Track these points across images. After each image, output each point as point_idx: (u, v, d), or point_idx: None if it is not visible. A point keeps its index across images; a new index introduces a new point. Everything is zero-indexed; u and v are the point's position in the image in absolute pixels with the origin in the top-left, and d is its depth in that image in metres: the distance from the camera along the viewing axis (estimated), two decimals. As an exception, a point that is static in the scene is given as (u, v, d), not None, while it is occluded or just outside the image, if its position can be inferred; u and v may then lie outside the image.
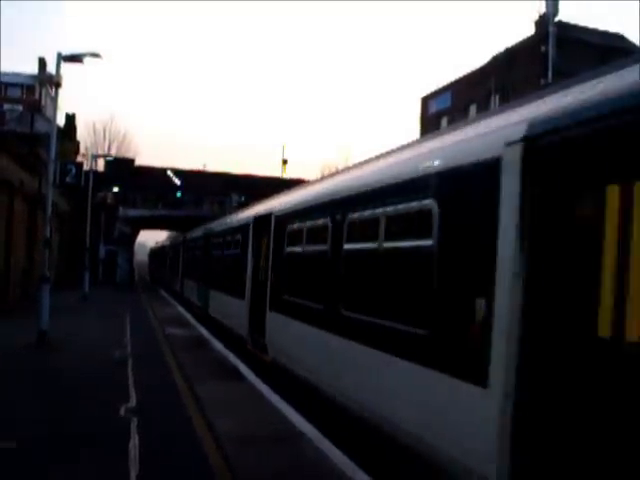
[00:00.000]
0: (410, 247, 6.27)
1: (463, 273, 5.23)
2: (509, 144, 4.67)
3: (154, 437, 7.29)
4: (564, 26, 31.63)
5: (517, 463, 4.25)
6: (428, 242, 5.74)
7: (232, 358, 13.41)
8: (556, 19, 31.50)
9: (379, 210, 6.88)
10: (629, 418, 3.45)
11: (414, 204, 6.13)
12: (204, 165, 67.74)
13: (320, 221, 9.00)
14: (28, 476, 6.07)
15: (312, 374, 8.84)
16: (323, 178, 11.13)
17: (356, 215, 7.65)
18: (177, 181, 46.95)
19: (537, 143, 4.45)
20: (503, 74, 33.17)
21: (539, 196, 4.37)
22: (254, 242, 13.89)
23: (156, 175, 48.30)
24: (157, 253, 63.12)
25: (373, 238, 6.97)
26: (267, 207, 13.40)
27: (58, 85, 16.52)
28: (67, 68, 16.90)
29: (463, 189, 5.37)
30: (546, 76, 30.19)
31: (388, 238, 6.71)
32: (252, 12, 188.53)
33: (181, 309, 26.77)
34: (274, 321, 11.38)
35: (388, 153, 8.13)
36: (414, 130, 47.80)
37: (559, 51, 30.34)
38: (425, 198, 5.88)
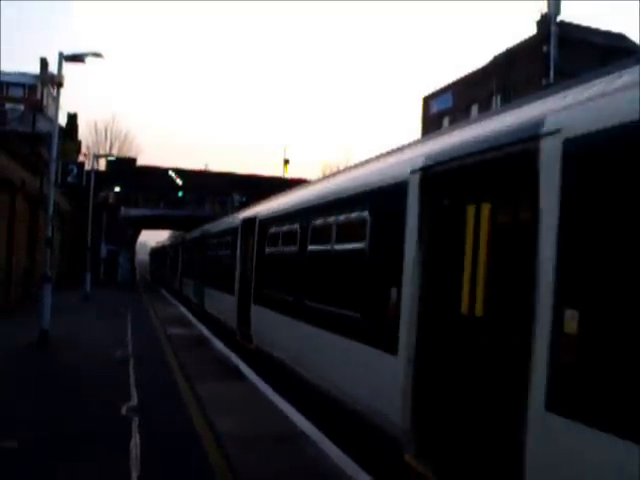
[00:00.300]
0: (351, 249, 7.83)
1: (383, 269, 6.71)
2: (412, 171, 6.20)
3: (155, 436, 7.30)
4: (566, 26, 31.59)
5: (415, 407, 5.78)
6: (363, 245, 7.33)
7: (233, 358, 13.42)
8: (558, 19, 31.45)
9: (331, 218, 8.57)
10: (476, 370, 4.95)
11: (354, 215, 7.75)
12: (206, 165, 67.83)
13: (292, 226, 10.64)
14: (30, 476, 6.08)
15: (284, 355, 10.52)
16: (298, 188, 12.47)
17: (316, 222, 9.32)
18: (179, 181, 46.96)
19: (428, 171, 5.92)
20: (504, 74, 33.15)
21: (429, 210, 5.86)
22: (242, 243, 15.32)
23: (158, 175, 48.30)
24: (158, 253, 64.38)
25: (327, 241, 8.72)
26: (253, 212, 14.84)
27: (60, 85, 16.52)
28: (69, 68, 16.92)
29: (385, 204, 6.95)
30: (547, 76, 30.16)
31: (337, 241, 8.38)
32: (254, 12, 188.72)
33: (183, 309, 26.78)
34: (257, 313, 12.95)
35: (340, 172, 10.25)
36: (416, 130, 47.78)
37: (561, 51, 30.30)
38: (362, 210, 7.46)
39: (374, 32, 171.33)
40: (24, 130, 34.88)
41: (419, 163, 6.13)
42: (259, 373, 11.47)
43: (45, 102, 69.45)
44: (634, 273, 3.50)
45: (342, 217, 8.25)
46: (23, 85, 74.81)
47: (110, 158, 48.04)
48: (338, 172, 10.58)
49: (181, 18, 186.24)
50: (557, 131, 4.23)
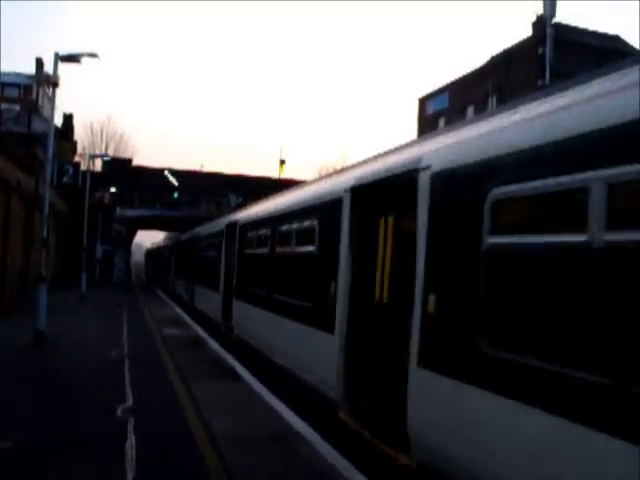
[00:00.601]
0: (305, 251, 9.47)
1: (326, 267, 8.34)
2: (345, 191, 7.93)
3: (151, 437, 7.30)
4: (562, 28, 31.71)
5: (346, 374, 7.46)
6: (313, 248, 9.07)
7: (230, 359, 13.42)
8: (553, 20, 31.54)
9: (291, 225, 10.43)
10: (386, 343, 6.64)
11: (307, 223, 9.51)
12: (201, 165, 67.70)
13: (263, 231, 12.54)
14: (24, 476, 6.07)
15: (258, 342, 12.33)
16: (270, 198, 14.05)
17: (281, 228, 11.13)
18: (174, 181, 46.91)
19: (356, 191, 7.66)
20: (500, 75, 33.26)
21: (355, 222, 7.62)
22: (226, 245, 17.10)
23: (153, 175, 48.25)
24: (153, 254, 65.45)
25: (288, 244, 10.62)
26: (235, 217, 16.63)
27: (55, 85, 16.51)
28: (64, 68, 16.89)
29: (328, 215, 8.53)
30: (543, 77, 30.25)
31: (295, 245, 10.20)
32: (251, 12, 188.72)
33: (179, 310, 26.76)
34: (237, 307, 14.87)
35: (300, 186, 12.16)
36: (412, 130, 47.84)
37: (556, 53, 30.37)
38: (313, 219, 9.23)
39: (371, 32, 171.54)
40: (20, 130, 34.80)
41: (350, 184, 7.85)
42: (252, 372, 11.49)
43: (41, 102, 69.30)
44: (469, 268, 4.99)
45: (298, 225, 10.06)
46: (18, 85, 74.68)
47: (106, 158, 47.88)
48: (299, 186, 12.36)
49: (176, 18, 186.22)
50: (428, 167, 5.83)
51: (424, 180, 5.87)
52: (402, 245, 6.44)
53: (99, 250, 41.74)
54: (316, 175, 52.90)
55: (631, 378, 3.43)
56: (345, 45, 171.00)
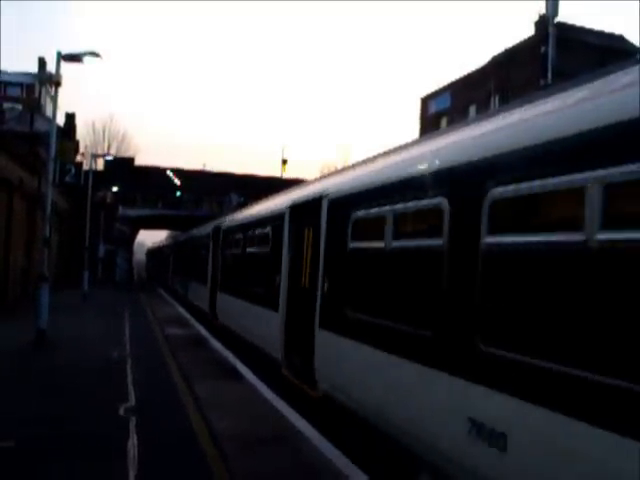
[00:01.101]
0: (263, 251, 12.55)
1: (274, 264, 11.22)
2: (287, 207, 10.82)
3: (153, 436, 7.30)
4: (564, 27, 31.62)
5: (286, 344, 10.17)
6: (267, 249, 12.14)
7: (231, 358, 13.43)
8: (556, 20, 31.47)
9: (255, 231, 13.63)
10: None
11: (265, 229, 12.59)
12: (204, 165, 67.82)
13: (237, 234, 15.90)
14: (26, 475, 6.07)
15: (234, 324, 15.32)
16: (245, 207, 18.30)
17: (248, 233, 14.45)
18: (177, 181, 46.92)
19: (293, 208, 10.49)
20: (503, 75, 33.21)
21: (291, 230, 10.44)
22: (213, 245, 20.05)
23: (156, 174, 48.29)
24: (153, 253, 67.46)
25: (253, 246, 13.73)
26: (220, 221, 20.01)
27: (58, 84, 16.51)
28: (67, 67, 16.88)
29: (277, 224, 11.42)
30: (545, 77, 30.19)
31: (257, 246, 13.25)
32: (252, 12, 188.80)
33: (181, 309, 26.78)
34: (220, 298, 17.82)
35: (262, 201, 15.06)
36: (414, 130, 47.81)
37: (559, 52, 30.31)
38: (267, 227, 12.44)
39: (373, 32, 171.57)
40: (22, 130, 34.85)
41: (289, 203, 10.81)
42: (254, 370, 11.51)
43: (43, 101, 69.36)
44: (341, 263, 7.75)
45: (259, 231, 13.22)
46: (21, 85, 74.74)
47: (108, 158, 47.97)
48: (261, 201, 15.22)
49: (179, 18, 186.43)
50: (327, 195, 8.56)
51: (325, 204, 8.60)
52: (315, 247, 8.98)
53: (101, 249, 41.77)
54: (318, 174, 52.99)
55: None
56: (347, 44, 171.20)
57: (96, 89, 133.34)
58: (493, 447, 4.32)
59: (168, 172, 47.63)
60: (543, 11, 32.30)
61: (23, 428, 7.45)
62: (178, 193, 47.92)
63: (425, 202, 5.69)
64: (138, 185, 47.41)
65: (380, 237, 6.46)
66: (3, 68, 59.33)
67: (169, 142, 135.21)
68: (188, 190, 48.29)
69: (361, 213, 7.16)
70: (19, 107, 56.93)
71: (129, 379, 10.59)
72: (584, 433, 3.56)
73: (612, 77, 4.18)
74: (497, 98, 33.90)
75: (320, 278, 8.39)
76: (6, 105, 53.68)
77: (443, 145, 5.94)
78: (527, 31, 65.14)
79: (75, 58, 16.38)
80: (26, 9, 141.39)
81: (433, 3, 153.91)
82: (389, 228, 6.32)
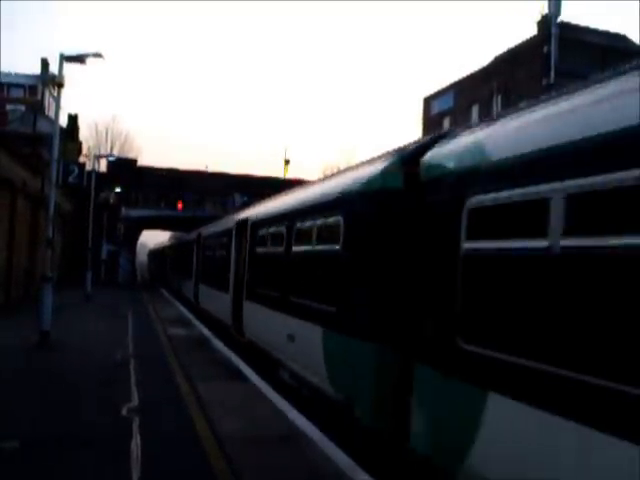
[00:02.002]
0: (222, 253, 18.25)
1: (226, 261, 16.97)
2: (233, 225, 16.56)
3: (156, 437, 7.32)
4: (566, 27, 31.60)
5: (233, 311, 15.27)
6: (225, 252, 17.63)
7: (234, 359, 13.43)
8: (558, 20, 31.45)
9: (218, 240, 19.54)
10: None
11: (223, 239, 18.26)
12: (206, 166, 67.76)
13: (212, 241, 21.28)
14: (30, 476, 6.08)
15: (207, 306, 20.87)
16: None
17: (211, 241, 21.48)
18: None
19: (237, 225, 16.00)
20: (505, 74, 33.18)
21: (237, 239, 15.86)
22: (197, 249, 25.64)
23: (158, 175, 48.31)
24: (153, 254, 71.68)
25: (216, 250, 20.23)
26: (199, 231, 25.48)
27: (60, 85, 16.53)
28: (69, 68, 16.90)
29: (228, 236, 17.05)
30: (548, 76, 30.17)
31: (219, 250, 19.12)
32: (255, 13, 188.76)
33: (183, 309, 26.82)
34: (201, 289, 23.26)
35: (221, 216, 22.82)
36: (417, 130, 47.77)
37: (561, 52, 30.31)
38: (226, 237, 17.83)
39: (375, 32, 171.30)
40: (25, 131, 34.91)
41: (235, 222, 16.20)
42: (259, 374, 11.54)
43: (46, 103, 69.48)
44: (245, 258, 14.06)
45: (221, 239, 18.70)
46: (24, 86, 74.84)
47: (111, 159, 47.95)
48: (221, 216, 20.76)
49: (182, 19, 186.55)
50: (249, 219, 14.21)
51: (249, 225, 13.95)
52: (244, 251, 13.76)
53: (104, 250, 41.80)
54: (320, 175, 53.34)
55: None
56: (350, 44, 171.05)
57: (99, 90, 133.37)
58: (291, 342, 9.57)
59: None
60: (545, 11, 32.31)
61: (26, 429, 7.47)
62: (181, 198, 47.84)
63: (322, 220, 8.76)
64: (141, 186, 47.45)
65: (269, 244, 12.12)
66: (5, 68, 59.40)
67: (172, 143, 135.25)
68: (190, 191, 48.27)
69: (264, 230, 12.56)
70: (22, 108, 57.01)
71: (132, 379, 10.61)
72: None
73: (562, 102, 4.54)
74: (500, 98, 33.86)
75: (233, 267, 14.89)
76: (9, 106, 53.77)
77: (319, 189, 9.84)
78: (529, 31, 65.07)
79: (78, 59, 16.40)
80: (26, 10, 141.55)
81: (435, 3, 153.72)
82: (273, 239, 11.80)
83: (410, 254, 6.14)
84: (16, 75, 73.65)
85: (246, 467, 6.41)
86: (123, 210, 47.34)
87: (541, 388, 4.08)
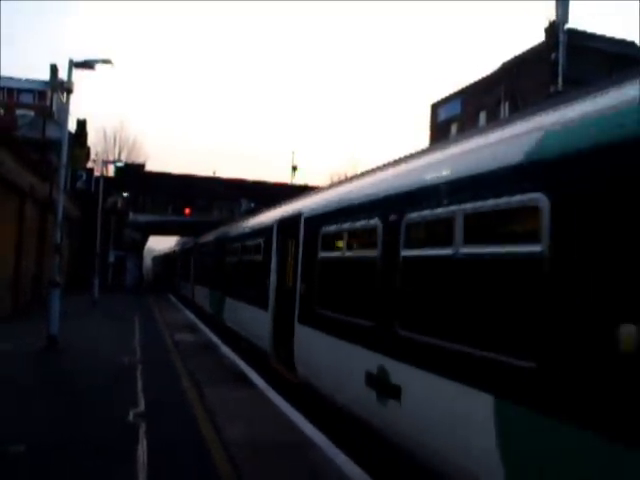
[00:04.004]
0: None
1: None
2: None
3: (162, 442, 7.31)
4: (575, 33, 31.56)
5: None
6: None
7: (242, 365, 13.41)
8: (566, 26, 31.39)
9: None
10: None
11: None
12: (214, 172, 67.92)
13: (209, 248, 22.21)
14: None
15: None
16: (218, 228, 20.90)
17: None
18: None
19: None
20: (513, 81, 33.16)
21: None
22: (194, 256, 29.20)
23: (166, 181, 48.49)
24: (157, 261, 75.66)
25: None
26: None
27: (69, 91, 16.63)
28: (78, 73, 17.00)
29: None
30: (556, 83, 30.11)
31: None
32: (263, 20, 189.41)
33: (191, 316, 26.84)
34: (198, 290, 26.71)
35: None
36: (424, 137, 47.78)
37: (569, 58, 30.21)
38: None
39: (382, 39, 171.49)
40: (34, 136, 35.10)
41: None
42: (266, 379, 11.49)
43: (55, 108, 69.90)
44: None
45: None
46: (33, 91, 75.41)
47: (119, 164, 48.18)
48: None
49: (190, 24, 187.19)
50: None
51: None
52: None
53: (111, 255, 41.95)
54: (329, 181, 53.40)
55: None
56: (358, 51, 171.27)
57: (107, 95, 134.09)
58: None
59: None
60: (553, 17, 32.25)
61: (33, 433, 7.49)
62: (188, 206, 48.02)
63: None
64: (148, 191, 47.64)
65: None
66: (14, 72, 59.85)
67: (179, 148, 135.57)
68: (198, 196, 48.42)
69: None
70: (31, 114, 57.33)
71: (139, 384, 10.62)
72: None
73: (450, 149, 6.23)
74: (507, 104, 33.84)
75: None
76: (19, 112, 54.13)
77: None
78: (537, 37, 65.00)
79: (87, 65, 16.52)
80: (36, 14, 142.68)
81: (443, 8, 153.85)
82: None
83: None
84: (26, 81, 74.27)
85: (253, 473, 6.39)
86: (131, 215, 47.52)
87: (452, 358, 5.29)
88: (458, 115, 39.88)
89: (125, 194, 44.98)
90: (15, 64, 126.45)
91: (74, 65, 16.30)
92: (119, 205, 45.52)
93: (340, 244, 8.75)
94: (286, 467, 6.63)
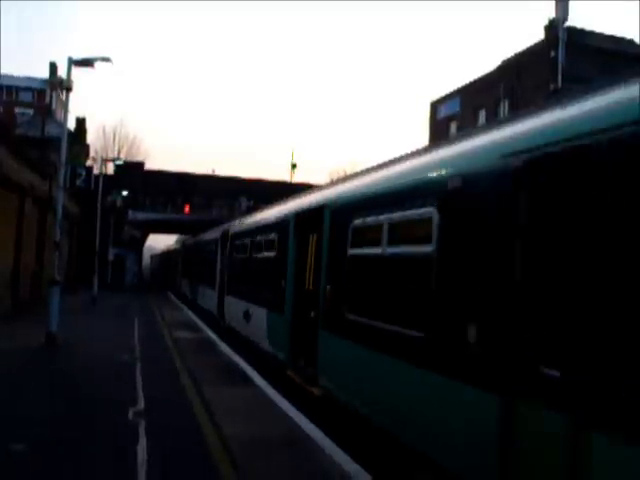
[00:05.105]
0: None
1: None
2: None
3: (162, 440, 7.32)
4: (574, 31, 31.53)
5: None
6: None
7: (242, 363, 13.43)
8: (566, 24, 31.38)
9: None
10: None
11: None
12: (213, 170, 67.85)
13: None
14: (37, 478, 6.10)
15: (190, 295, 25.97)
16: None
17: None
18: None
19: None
20: (512, 79, 33.12)
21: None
22: (183, 257, 32.70)
23: (165, 178, 48.46)
24: (156, 259, 76.77)
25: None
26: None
27: (69, 89, 16.62)
28: (77, 71, 16.99)
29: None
30: (555, 81, 30.10)
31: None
32: (262, 17, 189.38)
33: (191, 313, 26.85)
34: (185, 284, 32.93)
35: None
36: (424, 135, 47.77)
37: (568, 56, 30.23)
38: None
39: (383, 36, 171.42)
40: (33, 134, 35.10)
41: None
42: (265, 377, 11.51)
43: (54, 106, 69.84)
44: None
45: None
46: (32, 89, 75.37)
47: (118, 162, 48.09)
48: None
49: (189, 22, 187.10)
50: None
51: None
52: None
53: (111, 253, 41.94)
54: (327, 179, 53.42)
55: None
56: (358, 48, 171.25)
57: (106, 93, 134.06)
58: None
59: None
60: (553, 15, 32.24)
61: (33, 431, 7.49)
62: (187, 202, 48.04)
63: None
64: (148, 189, 47.61)
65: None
66: (13, 70, 59.82)
67: (179, 146, 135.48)
68: (198, 194, 48.38)
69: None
70: (30, 112, 57.36)
71: (138, 383, 10.63)
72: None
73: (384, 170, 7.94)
74: (506, 103, 33.81)
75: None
76: (18, 110, 54.16)
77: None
78: (537, 35, 64.87)
79: (86, 63, 16.50)
80: (34, 13, 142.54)
81: (443, 6, 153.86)
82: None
83: None
84: (25, 79, 74.23)
85: (253, 472, 6.40)
86: (130, 213, 47.49)
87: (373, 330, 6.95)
88: (458, 113, 39.83)
89: (124, 192, 44.95)
90: (14, 62, 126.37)
91: (73, 63, 16.30)
92: (118, 203, 45.48)
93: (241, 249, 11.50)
94: (286, 465, 6.65)
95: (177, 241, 55.15)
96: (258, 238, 14.60)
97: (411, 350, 6.01)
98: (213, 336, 18.29)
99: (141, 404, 9.04)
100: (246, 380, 11.46)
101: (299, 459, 6.86)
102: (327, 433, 7.78)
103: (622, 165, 3.82)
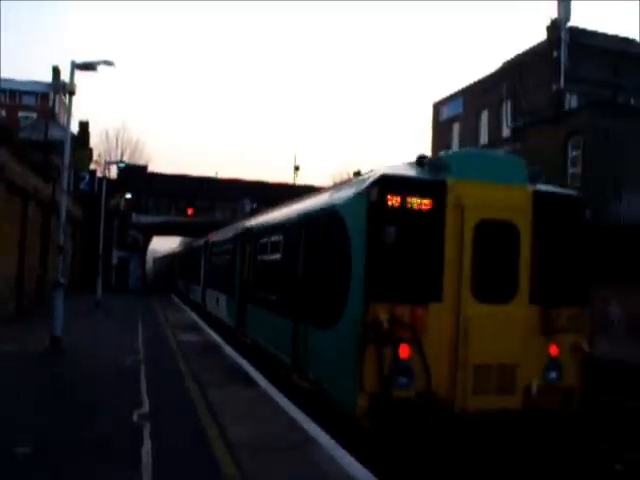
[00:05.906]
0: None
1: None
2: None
3: (167, 443, 7.32)
4: (576, 31, 31.47)
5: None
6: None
7: (245, 365, 13.43)
8: (568, 24, 31.33)
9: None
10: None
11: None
12: (216, 172, 67.93)
13: (190, 256, 33.76)
14: (42, 481, 6.11)
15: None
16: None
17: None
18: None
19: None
20: (515, 80, 33.08)
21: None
22: (181, 261, 40.03)
23: (168, 181, 48.54)
24: (159, 262, 78.51)
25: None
26: (176, 247, 45.43)
27: (72, 93, 16.66)
28: (80, 75, 17.01)
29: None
30: (558, 82, 30.07)
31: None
32: (265, 20, 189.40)
33: (194, 315, 26.86)
34: (181, 283, 39.86)
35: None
36: (427, 135, 47.77)
37: (571, 56, 30.19)
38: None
39: (385, 38, 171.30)
40: (37, 138, 35.19)
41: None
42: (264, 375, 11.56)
43: (57, 110, 70.00)
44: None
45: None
46: (36, 93, 75.52)
47: (121, 165, 48.17)
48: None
49: (191, 25, 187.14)
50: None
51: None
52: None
53: (115, 256, 42.02)
54: (330, 181, 53.54)
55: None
56: (360, 51, 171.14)
57: (109, 96, 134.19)
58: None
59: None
60: (555, 15, 32.19)
61: (39, 433, 7.50)
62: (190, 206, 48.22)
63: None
64: (151, 192, 47.70)
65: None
66: (13, 73, 60.00)
67: (181, 149, 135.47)
68: (201, 197, 48.45)
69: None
70: (34, 115, 57.53)
71: (143, 385, 10.63)
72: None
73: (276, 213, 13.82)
74: (509, 103, 33.77)
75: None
76: (21, 114, 54.28)
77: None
78: (539, 36, 64.78)
79: (89, 67, 16.54)
80: (38, 15, 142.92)
81: (445, 7, 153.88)
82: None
83: None
84: (28, 82, 74.41)
85: (257, 474, 6.40)
86: (133, 216, 47.58)
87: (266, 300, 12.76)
88: (460, 114, 39.80)
89: (128, 195, 45.04)
90: (17, 66, 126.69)
91: (76, 67, 16.34)
92: (122, 206, 45.57)
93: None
94: (290, 467, 6.64)
95: (180, 244, 55.68)
96: (223, 248, 20.87)
97: (276, 307, 12.14)
98: (217, 338, 18.29)
99: (146, 407, 9.05)
100: (250, 382, 11.46)
101: (300, 459, 6.86)
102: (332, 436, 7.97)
103: (324, 224, 9.54)
